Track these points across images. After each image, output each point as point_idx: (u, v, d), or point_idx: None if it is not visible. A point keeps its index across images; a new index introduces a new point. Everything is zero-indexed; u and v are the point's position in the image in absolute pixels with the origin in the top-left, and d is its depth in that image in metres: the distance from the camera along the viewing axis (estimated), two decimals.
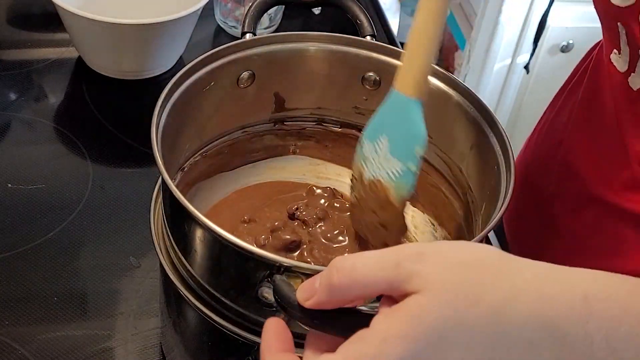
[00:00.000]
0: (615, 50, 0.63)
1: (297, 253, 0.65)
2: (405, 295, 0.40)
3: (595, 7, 0.65)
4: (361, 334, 0.40)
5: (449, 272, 0.40)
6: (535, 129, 0.84)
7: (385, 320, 0.39)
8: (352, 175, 0.63)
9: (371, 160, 0.59)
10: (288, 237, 0.65)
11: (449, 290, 0.39)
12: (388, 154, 0.58)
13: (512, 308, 0.39)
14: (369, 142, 0.60)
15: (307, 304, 0.42)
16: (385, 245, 0.52)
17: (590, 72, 0.73)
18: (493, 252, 0.42)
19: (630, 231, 0.65)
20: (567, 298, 0.40)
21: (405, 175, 0.58)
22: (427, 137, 0.58)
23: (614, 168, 0.66)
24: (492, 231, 0.86)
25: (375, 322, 0.40)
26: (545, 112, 0.83)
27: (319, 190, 0.72)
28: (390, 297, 0.41)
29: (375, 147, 0.59)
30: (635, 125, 0.63)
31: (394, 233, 0.61)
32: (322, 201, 0.70)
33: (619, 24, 0.60)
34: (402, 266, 0.40)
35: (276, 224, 0.66)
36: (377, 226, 0.61)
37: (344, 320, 0.42)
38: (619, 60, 0.63)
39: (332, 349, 0.41)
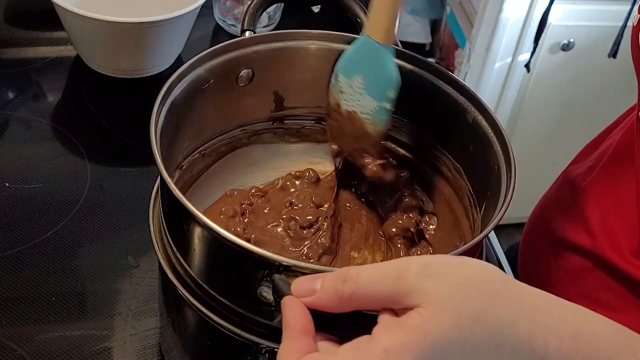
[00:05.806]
0: None
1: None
2: (405, 309, 0.40)
3: (632, 58, 0.65)
4: (363, 342, 0.40)
5: (452, 289, 0.40)
6: (570, 164, 0.82)
7: (388, 331, 0.39)
8: (328, 103, 0.66)
9: (347, 94, 0.64)
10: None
11: (451, 308, 0.39)
12: (363, 92, 0.63)
13: (508, 332, 0.40)
14: (343, 77, 0.64)
15: (304, 301, 0.42)
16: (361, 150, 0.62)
17: (627, 129, 0.72)
18: (495, 274, 0.42)
19: (629, 294, 0.66)
20: (558, 333, 0.41)
21: (380, 112, 0.63)
22: (400, 81, 0.62)
23: (626, 232, 0.66)
24: (498, 239, 0.87)
25: (377, 331, 0.40)
26: (580, 152, 0.82)
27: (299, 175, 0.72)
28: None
29: (350, 82, 0.63)
30: None
31: (372, 151, 0.66)
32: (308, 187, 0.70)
33: None
34: (404, 279, 0.40)
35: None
36: (356, 147, 0.66)
37: (344, 322, 0.42)
38: None
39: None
